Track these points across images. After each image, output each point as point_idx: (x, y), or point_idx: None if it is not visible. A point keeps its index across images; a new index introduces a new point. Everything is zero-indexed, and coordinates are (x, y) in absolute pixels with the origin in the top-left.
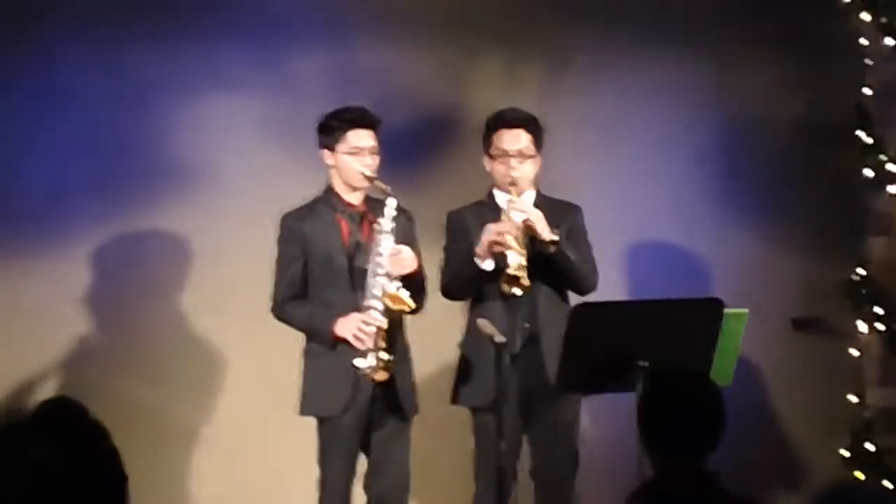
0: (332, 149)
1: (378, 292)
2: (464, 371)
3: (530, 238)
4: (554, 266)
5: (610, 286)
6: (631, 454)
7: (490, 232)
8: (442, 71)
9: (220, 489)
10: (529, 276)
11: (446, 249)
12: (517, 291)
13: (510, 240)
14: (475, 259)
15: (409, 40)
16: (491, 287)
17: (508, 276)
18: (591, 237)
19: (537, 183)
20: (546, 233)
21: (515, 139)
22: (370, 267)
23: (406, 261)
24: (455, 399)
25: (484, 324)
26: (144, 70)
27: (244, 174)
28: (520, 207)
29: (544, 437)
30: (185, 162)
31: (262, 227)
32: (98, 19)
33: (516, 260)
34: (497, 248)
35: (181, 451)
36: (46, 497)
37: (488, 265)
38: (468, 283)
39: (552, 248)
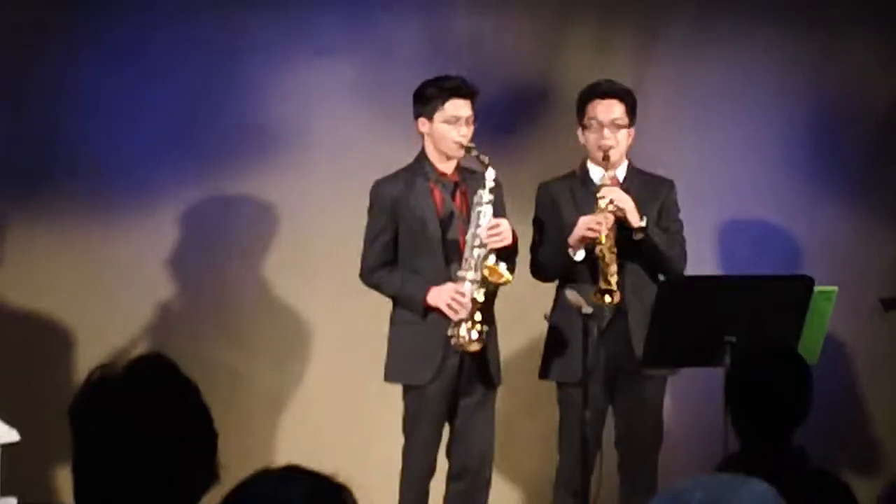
0: (428, 117)
1: (474, 264)
2: (552, 345)
3: (619, 224)
4: (642, 250)
5: (701, 261)
6: (715, 429)
7: (582, 227)
8: (534, 38)
9: (305, 455)
10: (617, 254)
11: (535, 223)
12: (608, 300)
13: (601, 236)
14: (568, 251)
15: (502, 7)
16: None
17: (600, 288)
18: (684, 210)
19: (629, 156)
20: (636, 221)
21: (609, 109)
22: (468, 238)
23: (504, 234)
24: (544, 373)
25: (572, 295)
26: (239, 35)
27: (334, 140)
28: (611, 195)
29: (629, 409)
30: (276, 127)
31: (350, 194)
32: None
33: (607, 266)
34: (588, 241)
35: (266, 415)
36: (139, 451)
37: (579, 256)
38: (559, 271)
39: (639, 235)
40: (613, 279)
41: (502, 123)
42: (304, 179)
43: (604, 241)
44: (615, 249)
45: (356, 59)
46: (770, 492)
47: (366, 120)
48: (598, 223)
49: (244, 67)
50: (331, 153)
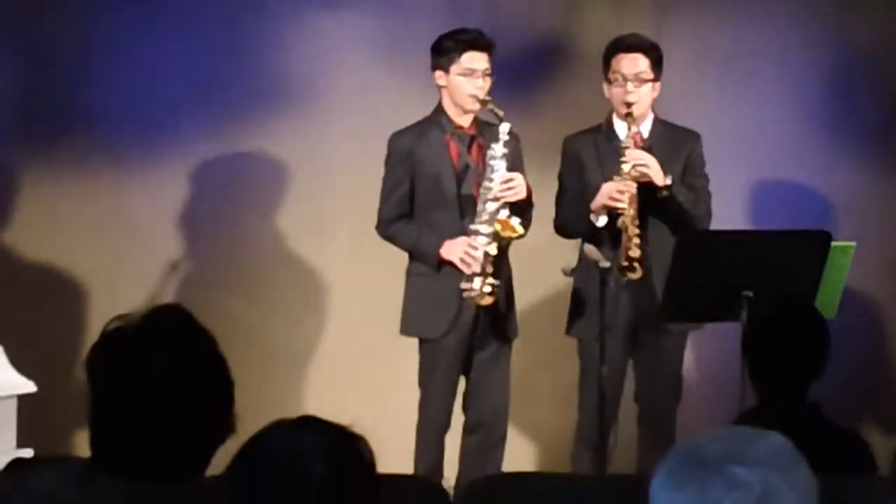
0: (445, 69)
1: (487, 217)
2: (576, 301)
3: (644, 183)
4: (665, 208)
5: (719, 217)
6: (733, 384)
7: (605, 194)
8: None
9: (322, 408)
10: (638, 210)
11: (560, 178)
12: (633, 276)
13: (625, 205)
14: (590, 216)
15: None
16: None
17: (621, 265)
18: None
19: (655, 109)
20: (660, 180)
21: (633, 63)
22: (481, 192)
23: (518, 188)
24: (569, 329)
25: (590, 249)
26: None
27: (353, 93)
28: (635, 157)
29: (649, 364)
30: (295, 80)
31: (368, 147)
32: None
33: (629, 240)
34: (611, 206)
35: (282, 369)
36: (155, 401)
37: (602, 222)
38: (581, 234)
39: (664, 193)
40: (636, 254)
41: (519, 78)
42: (323, 134)
43: (627, 211)
44: (637, 221)
45: (375, 13)
46: (787, 445)
47: (384, 74)
48: (621, 192)
49: (263, 22)
50: (349, 107)
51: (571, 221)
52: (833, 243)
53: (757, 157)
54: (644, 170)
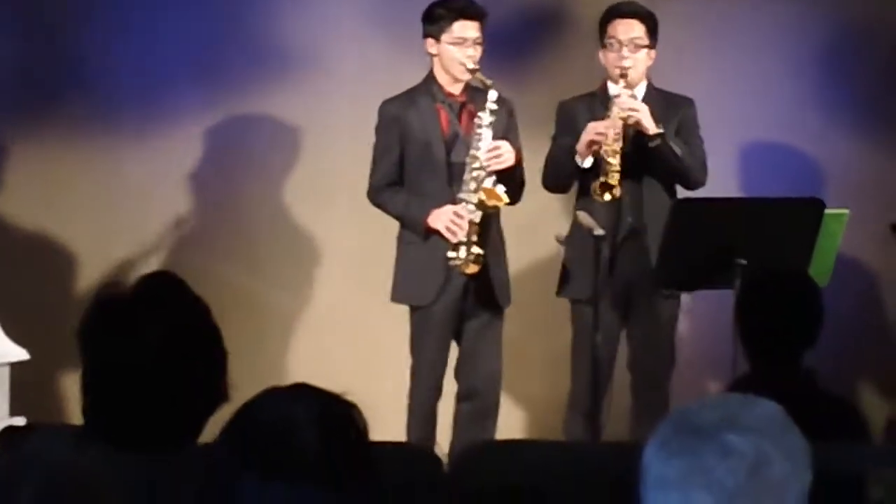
0: (436, 38)
1: (473, 186)
2: (568, 263)
3: (635, 132)
4: (660, 161)
5: (714, 185)
6: (726, 352)
7: (590, 131)
8: None
9: (317, 376)
10: (633, 174)
11: (554, 139)
12: (608, 197)
13: (609, 140)
14: (575, 156)
15: None
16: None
17: (601, 183)
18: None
19: (649, 76)
20: (651, 126)
21: (628, 28)
22: (468, 161)
23: (504, 156)
24: (559, 290)
25: (584, 216)
26: None
27: (352, 62)
28: (625, 104)
29: (642, 332)
30: (293, 48)
31: (368, 116)
32: None
33: (611, 166)
34: (595, 148)
35: (279, 336)
36: (148, 369)
37: (587, 163)
38: (567, 178)
39: (656, 142)
40: (615, 176)
41: (514, 45)
42: (322, 102)
43: (610, 143)
44: (619, 150)
45: None
46: (780, 412)
47: (382, 42)
48: (607, 127)
49: None
50: (349, 75)
51: (556, 163)
52: (826, 211)
53: (750, 126)
54: (634, 114)
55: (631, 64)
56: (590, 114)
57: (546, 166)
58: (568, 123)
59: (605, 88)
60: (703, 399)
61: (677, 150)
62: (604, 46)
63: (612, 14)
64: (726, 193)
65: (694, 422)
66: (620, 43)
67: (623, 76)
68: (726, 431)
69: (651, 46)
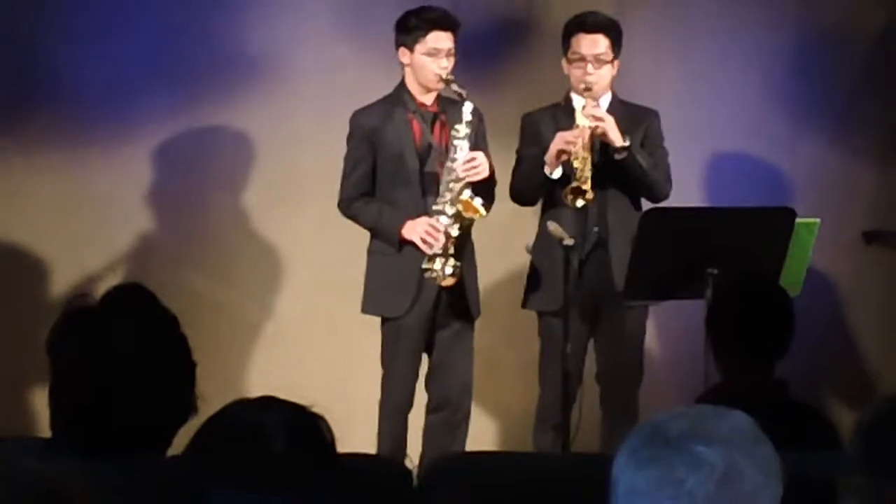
0: (409, 48)
1: (449, 197)
2: (534, 275)
3: (602, 144)
4: (625, 172)
5: (684, 194)
6: (697, 362)
7: (559, 141)
8: None
9: (286, 387)
10: (599, 184)
11: (518, 153)
12: (580, 203)
13: (577, 149)
14: (544, 167)
15: None
16: (562, 192)
17: (573, 188)
18: (668, 143)
19: (614, 87)
20: (617, 139)
21: (593, 44)
22: (444, 172)
23: (480, 167)
24: (525, 302)
25: (554, 227)
26: None
27: (317, 69)
28: (592, 113)
29: (610, 342)
30: (258, 55)
31: (333, 124)
32: None
33: (581, 172)
34: (564, 157)
35: (247, 347)
36: (116, 382)
37: (556, 174)
38: (536, 190)
39: (622, 154)
40: (587, 182)
41: (485, 55)
42: (287, 110)
43: (579, 152)
44: (588, 156)
45: None
46: (751, 424)
47: (349, 50)
48: (576, 136)
49: None
50: (314, 83)
51: (525, 175)
52: (797, 220)
53: (720, 135)
54: (601, 124)
55: (596, 80)
56: (555, 125)
57: (514, 178)
58: (533, 135)
59: (568, 99)
60: (674, 409)
61: (643, 163)
62: (567, 59)
63: (576, 27)
64: (697, 203)
65: (664, 432)
66: (584, 58)
67: (588, 90)
68: (697, 443)
69: (615, 58)
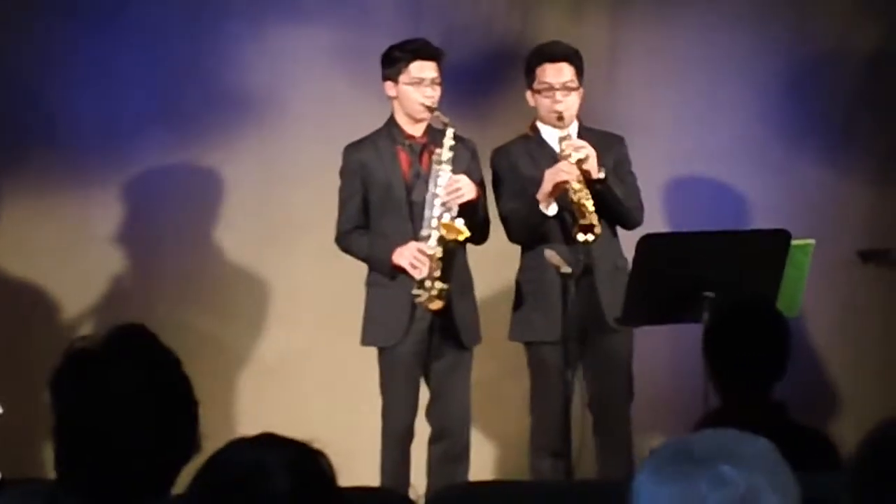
0: (394, 80)
1: (434, 223)
2: (524, 305)
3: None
4: (602, 204)
5: (679, 215)
6: (696, 386)
7: (552, 177)
8: (508, 1)
9: (289, 422)
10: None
11: (496, 187)
12: (590, 238)
13: (572, 184)
14: (539, 207)
15: None
16: (549, 222)
17: (582, 225)
18: (660, 168)
19: (580, 115)
20: (595, 171)
21: (559, 72)
22: (427, 197)
23: (463, 189)
24: (515, 334)
25: (551, 255)
26: (217, 0)
27: (314, 105)
28: (575, 144)
29: (599, 368)
30: (254, 93)
31: (330, 159)
32: None
33: (584, 207)
34: (562, 189)
35: (249, 383)
36: (119, 423)
37: (552, 210)
38: (535, 229)
39: (599, 186)
40: (593, 216)
41: (476, 86)
42: (284, 146)
43: (576, 186)
44: (584, 189)
45: (334, 24)
46: (773, 450)
47: (345, 85)
48: (568, 171)
49: (223, 33)
50: (310, 119)
51: (521, 216)
52: (792, 242)
53: (714, 156)
54: (583, 154)
55: (565, 108)
56: (528, 156)
57: (509, 223)
58: (509, 168)
59: (536, 129)
60: (700, 432)
61: (618, 193)
62: (532, 90)
63: (540, 58)
64: (691, 226)
65: (690, 451)
66: (552, 87)
67: (560, 119)
68: (721, 462)
69: (580, 86)
